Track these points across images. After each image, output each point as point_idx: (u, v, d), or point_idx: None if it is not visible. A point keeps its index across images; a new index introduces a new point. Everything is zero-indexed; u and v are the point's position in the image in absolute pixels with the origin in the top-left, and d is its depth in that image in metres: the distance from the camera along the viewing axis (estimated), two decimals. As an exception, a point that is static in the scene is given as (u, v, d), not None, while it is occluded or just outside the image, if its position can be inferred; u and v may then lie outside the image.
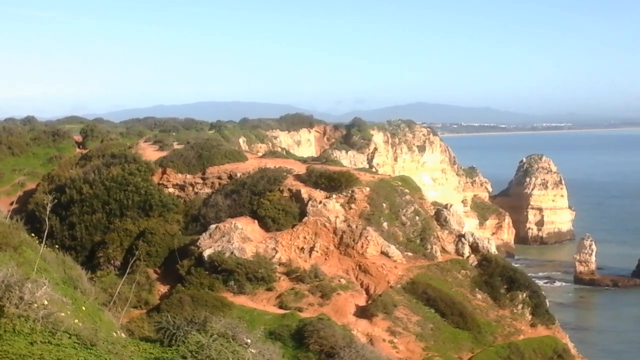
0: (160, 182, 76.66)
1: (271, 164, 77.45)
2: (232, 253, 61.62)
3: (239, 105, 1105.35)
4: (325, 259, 63.88)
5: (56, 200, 63.51)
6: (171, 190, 76.44)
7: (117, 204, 72.14)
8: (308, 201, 67.00)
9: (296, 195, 68.33)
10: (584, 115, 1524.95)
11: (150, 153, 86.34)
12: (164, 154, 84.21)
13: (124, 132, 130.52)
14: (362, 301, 59.49)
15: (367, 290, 60.99)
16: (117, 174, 74.76)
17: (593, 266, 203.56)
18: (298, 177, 71.63)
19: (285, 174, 72.31)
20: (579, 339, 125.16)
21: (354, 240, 64.14)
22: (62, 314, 14.74)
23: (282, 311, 56.45)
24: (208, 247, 62.58)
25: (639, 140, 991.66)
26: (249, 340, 16.94)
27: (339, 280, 61.10)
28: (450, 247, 69.94)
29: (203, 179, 77.11)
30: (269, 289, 59.99)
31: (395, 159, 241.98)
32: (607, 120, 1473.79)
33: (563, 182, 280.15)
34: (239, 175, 74.95)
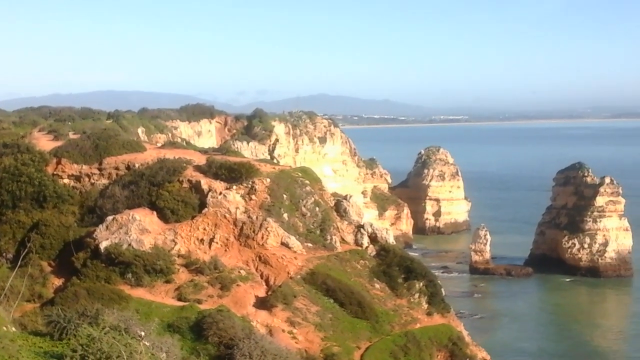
0: (55, 172, 74.68)
1: (170, 154, 76.46)
2: (129, 245, 60.64)
3: (139, 94, 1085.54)
4: (225, 250, 63.62)
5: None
6: (66, 181, 74.57)
7: (10, 195, 69.84)
8: (208, 192, 66.52)
9: (196, 186, 67.71)
10: (480, 109, 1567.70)
11: (44, 143, 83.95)
12: (59, 143, 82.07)
13: (17, 121, 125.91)
14: (262, 292, 59.55)
15: (267, 281, 61.09)
16: (10, 164, 72.35)
17: (488, 255, 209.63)
18: (198, 168, 71.01)
19: (184, 164, 71.53)
20: (474, 326, 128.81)
21: (254, 232, 64.07)
22: (-55, 309, 14.24)
23: (181, 303, 55.92)
24: (105, 239, 61.38)
25: (532, 133, 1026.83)
26: (142, 333, 16.78)
27: (239, 272, 60.97)
28: (350, 238, 70.73)
29: (100, 169, 75.55)
30: (168, 281, 59.34)
31: (297, 150, 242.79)
32: (502, 114, 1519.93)
33: (459, 173, 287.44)
34: (137, 165, 73.75)
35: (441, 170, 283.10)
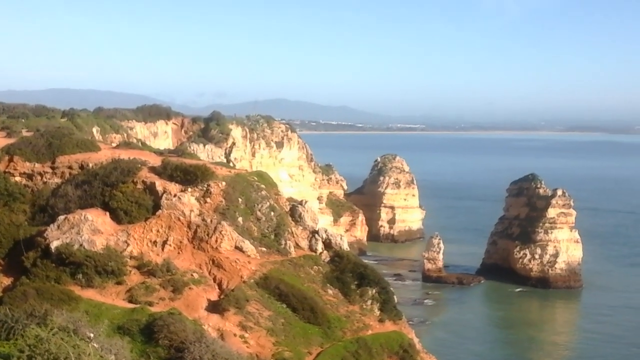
0: (7, 170, 73.45)
1: (125, 155, 75.63)
2: (81, 245, 59.82)
3: (95, 93, 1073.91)
4: (179, 253, 63.12)
5: None
6: (18, 179, 73.38)
7: (-41, 192, 68.51)
8: (162, 194, 65.92)
9: (150, 188, 67.05)
10: (436, 118, 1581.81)
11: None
12: (11, 141, 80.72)
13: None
14: (214, 296, 59.22)
15: (220, 285, 60.76)
16: (-41, 160, 71.00)
17: (440, 264, 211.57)
18: (153, 169, 70.30)
19: (139, 165, 70.75)
20: (425, 333, 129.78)
21: (208, 235, 63.69)
22: None
23: (131, 305, 55.30)
24: (56, 238, 60.48)
25: (486, 143, 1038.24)
26: (91, 334, 16.58)
27: (192, 275, 60.55)
28: (304, 243, 70.66)
29: (53, 168, 74.49)
30: (119, 283, 58.62)
31: (253, 154, 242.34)
32: (458, 124, 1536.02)
33: (415, 181, 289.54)
34: (91, 165, 72.82)
35: (397, 178, 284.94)
